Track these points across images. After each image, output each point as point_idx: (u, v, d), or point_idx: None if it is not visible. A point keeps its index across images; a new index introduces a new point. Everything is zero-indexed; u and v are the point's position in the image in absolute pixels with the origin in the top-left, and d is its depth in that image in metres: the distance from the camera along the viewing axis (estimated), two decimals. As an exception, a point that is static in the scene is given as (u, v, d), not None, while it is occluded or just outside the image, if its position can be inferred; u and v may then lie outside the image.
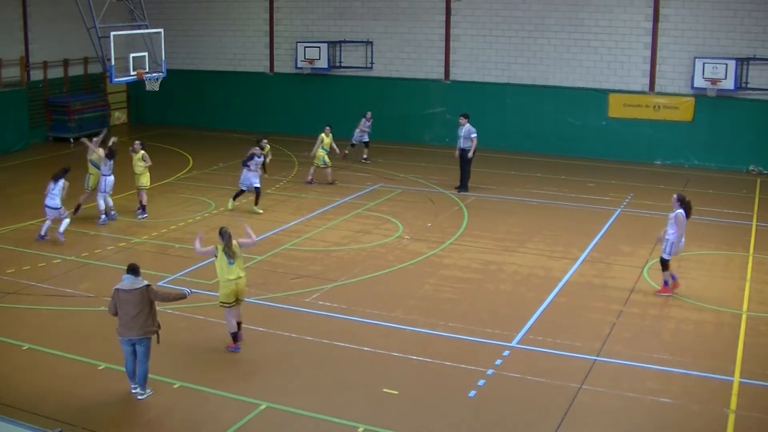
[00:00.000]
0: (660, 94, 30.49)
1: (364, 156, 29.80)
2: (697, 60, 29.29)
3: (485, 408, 12.64)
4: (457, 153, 26.10)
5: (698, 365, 14.11)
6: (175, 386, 13.13)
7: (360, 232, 21.41)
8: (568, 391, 13.14)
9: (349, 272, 18.37)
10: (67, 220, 20.28)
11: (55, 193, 19.97)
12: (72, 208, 21.48)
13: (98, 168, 22.00)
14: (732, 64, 28.72)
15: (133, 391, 12.74)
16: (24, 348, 14.44)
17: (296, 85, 35.54)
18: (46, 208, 20.10)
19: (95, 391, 13.01)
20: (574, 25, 31.17)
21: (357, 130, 29.71)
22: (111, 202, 22.02)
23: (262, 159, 23.45)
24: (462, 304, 16.79)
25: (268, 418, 12.31)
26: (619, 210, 24.01)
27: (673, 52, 30.08)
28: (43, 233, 20.25)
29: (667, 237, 17.14)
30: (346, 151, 29.37)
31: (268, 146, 24.51)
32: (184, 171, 28.30)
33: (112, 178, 21.72)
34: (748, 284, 18.19)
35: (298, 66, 34.86)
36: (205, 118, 37.06)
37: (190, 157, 30.37)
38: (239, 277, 14.26)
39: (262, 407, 12.49)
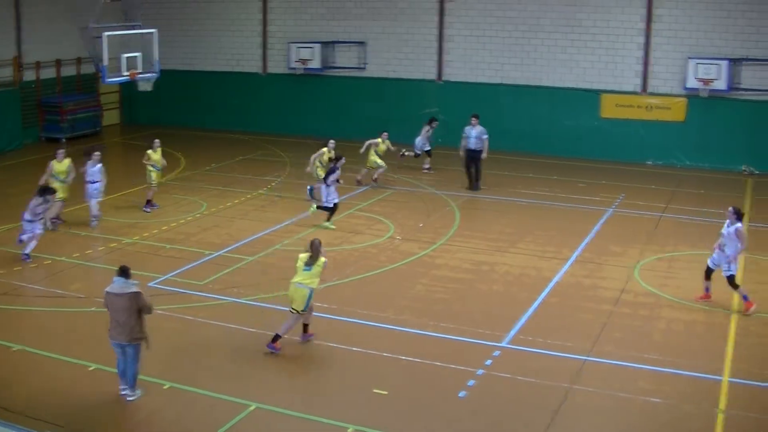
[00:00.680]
0: (652, 94, 30.54)
1: (426, 166, 28.82)
2: (690, 60, 29.36)
3: (475, 408, 12.64)
4: (462, 153, 26.15)
5: (689, 365, 14.12)
6: (164, 387, 13.11)
7: (352, 233, 21.41)
8: (559, 391, 13.15)
9: (341, 273, 18.36)
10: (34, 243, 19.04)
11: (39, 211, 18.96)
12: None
13: (157, 169, 23.07)
14: (725, 64, 28.78)
15: (122, 392, 12.71)
16: (14, 349, 14.40)
17: (289, 85, 35.50)
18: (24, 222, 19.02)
19: (85, 392, 12.97)
20: (568, 26, 31.21)
21: (419, 138, 28.77)
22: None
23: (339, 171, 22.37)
24: (453, 305, 16.80)
25: (258, 418, 12.29)
26: (611, 210, 24.04)
27: (666, 52, 30.14)
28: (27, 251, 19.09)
29: (728, 252, 16.50)
30: (405, 152, 28.76)
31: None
32: (177, 171, 28.27)
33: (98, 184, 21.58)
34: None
35: (291, 66, 34.84)
36: (198, 118, 36.99)
37: (182, 158, 30.34)
38: (300, 286, 14.29)
39: (252, 407, 12.47)
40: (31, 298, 16.81)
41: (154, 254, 19.64)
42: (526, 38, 31.85)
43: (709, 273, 16.96)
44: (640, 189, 26.57)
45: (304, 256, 14.51)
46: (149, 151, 23.14)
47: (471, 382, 13.39)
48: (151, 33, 25.00)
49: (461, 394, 13.04)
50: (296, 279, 14.37)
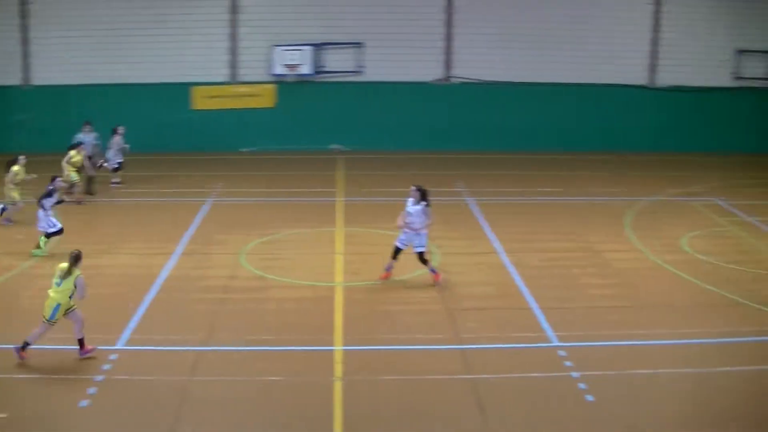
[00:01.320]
0: (242, 83, 31.08)
1: (115, 180, 26.07)
2: (275, 48, 30.22)
3: (98, 416, 12.05)
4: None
5: (303, 340, 14.57)
6: None
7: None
8: (180, 385, 12.92)
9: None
10: None
11: None
12: None
13: None
14: (309, 50, 30.05)
15: None
16: None
17: None
18: None
19: None
20: (155, 21, 30.61)
21: (110, 151, 25.86)
22: None
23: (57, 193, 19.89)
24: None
25: None
26: (211, 200, 24.14)
27: (254, 41, 30.79)
28: None
29: (419, 230, 17.03)
30: (102, 162, 25.72)
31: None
32: None
33: None
34: (340, 257, 19.14)
35: None
36: None
37: None
38: (51, 294, 13.68)
39: None
40: None
41: None
42: (114, 37, 30.66)
43: (396, 252, 17.43)
44: (238, 177, 27.00)
45: (62, 266, 13.56)
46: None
47: (91, 390, 12.75)
48: None
49: (82, 403, 12.37)
50: (50, 289, 13.68)
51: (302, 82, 30.59)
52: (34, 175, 21.53)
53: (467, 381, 13.28)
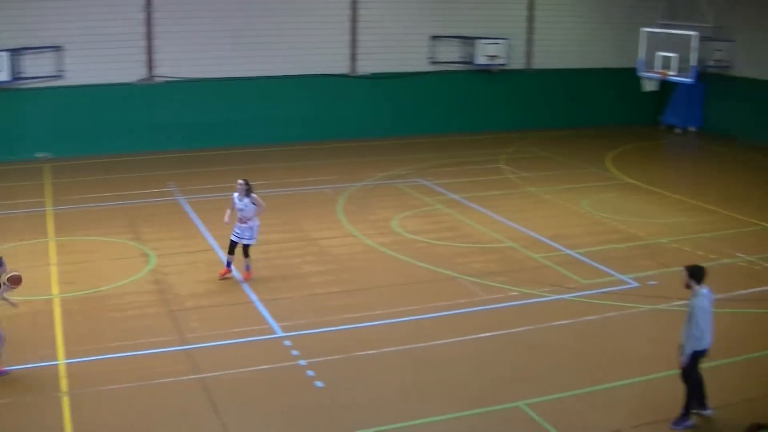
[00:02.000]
0: None
1: None
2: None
3: None
4: None
5: (24, 358, 14.07)
6: None
7: None
8: None
9: None
10: None
11: None
12: None
13: None
14: (5, 56, 28.43)
15: None
16: None
17: None
18: None
19: None
20: None
21: None
22: None
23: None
24: None
25: None
26: None
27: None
28: None
29: (251, 224, 17.72)
30: None
31: None
32: None
33: None
34: (54, 268, 18.59)
35: None
36: None
37: None
38: None
39: None
40: None
41: None
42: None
43: (232, 247, 17.73)
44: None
45: None
46: None
47: None
48: None
49: None
50: None
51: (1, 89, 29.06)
52: None
53: (197, 381, 13.47)
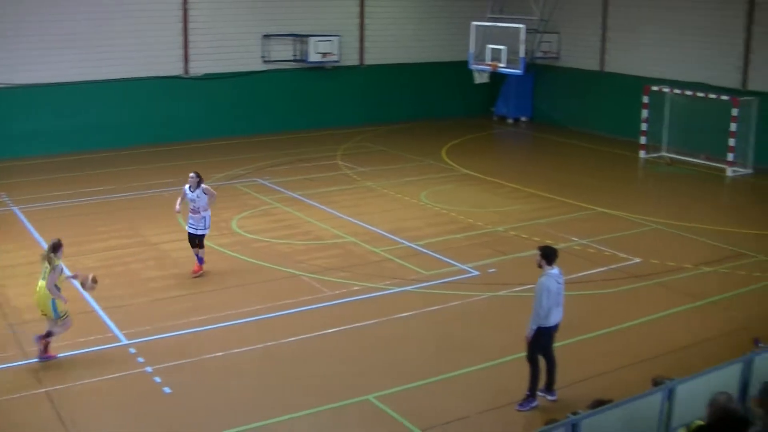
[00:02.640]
0: None
1: None
2: None
3: None
4: None
5: None
6: None
7: None
8: None
9: None
10: None
11: None
12: None
13: None
14: None
15: None
16: None
17: None
18: None
19: None
20: None
21: None
22: None
23: None
24: None
25: None
26: None
27: None
28: None
29: (202, 213, 18.14)
30: None
31: None
32: None
33: None
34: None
35: None
36: None
37: None
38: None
39: None
40: None
41: None
42: None
43: (192, 240, 18.38)
44: None
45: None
46: None
47: None
48: None
49: None
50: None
51: None
52: None
53: (42, 395, 13.12)
